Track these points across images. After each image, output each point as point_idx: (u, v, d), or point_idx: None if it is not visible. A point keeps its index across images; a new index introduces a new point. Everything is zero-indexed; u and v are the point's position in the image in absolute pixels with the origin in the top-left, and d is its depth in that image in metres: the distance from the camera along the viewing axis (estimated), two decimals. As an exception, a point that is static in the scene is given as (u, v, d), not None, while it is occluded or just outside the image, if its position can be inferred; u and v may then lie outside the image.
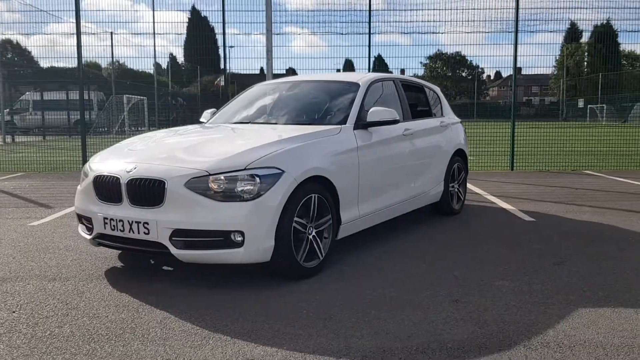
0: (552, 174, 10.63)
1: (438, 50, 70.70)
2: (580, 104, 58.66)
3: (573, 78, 69.46)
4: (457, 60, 75.25)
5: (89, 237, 4.11)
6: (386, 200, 5.00)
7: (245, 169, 3.70)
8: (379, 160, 4.88)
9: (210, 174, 3.66)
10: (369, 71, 12.24)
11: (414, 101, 5.92)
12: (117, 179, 3.84)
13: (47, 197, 7.99)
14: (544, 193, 8.13)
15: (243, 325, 3.16)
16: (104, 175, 3.94)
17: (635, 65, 71.18)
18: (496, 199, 7.51)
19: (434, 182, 5.89)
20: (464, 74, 76.27)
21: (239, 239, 3.62)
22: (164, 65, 40.79)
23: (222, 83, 47.58)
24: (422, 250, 4.84)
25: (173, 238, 3.66)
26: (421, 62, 72.21)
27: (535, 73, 78.07)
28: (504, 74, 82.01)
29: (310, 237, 4.03)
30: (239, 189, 3.65)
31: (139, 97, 28.71)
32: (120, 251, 4.57)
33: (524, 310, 3.37)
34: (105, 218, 3.89)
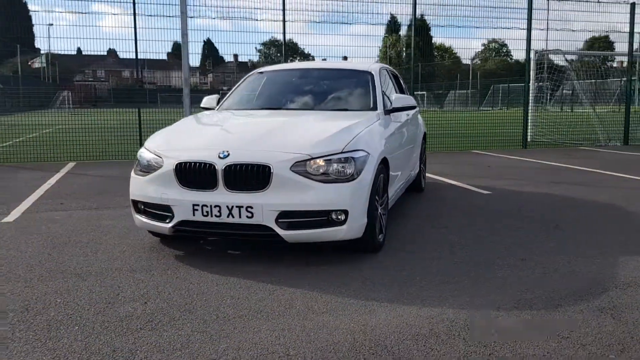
0: (447, 154, 11.90)
1: (272, 37, 71.97)
2: (403, 91, 63.70)
3: (395, 67, 74.84)
4: (290, 47, 76.91)
5: (166, 225, 4.02)
6: (402, 179, 5.50)
7: (342, 152, 3.95)
8: (401, 143, 5.35)
9: (312, 157, 3.85)
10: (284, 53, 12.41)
11: (397, 87, 6.46)
12: (212, 165, 3.84)
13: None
14: (467, 170, 9.22)
15: (388, 294, 3.44)
16: (191, 162, 3.90)
17: (444, 57, 79.05)
18: (437, 176, 8.38)
19: (416, 162, 6.52)
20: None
21: (341, 217, 3.87)
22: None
23: (42, 64, 43.65)
24: (435, 223, 5.42)
25: (279, 220, 3.79)
26: (256, 48, 73.02)
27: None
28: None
29: (379, 213, 4.39)
30: (339, 170, 3.89)
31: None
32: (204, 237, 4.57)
33: (584, 262, 4.10)
34: (195, 205, 3.86)
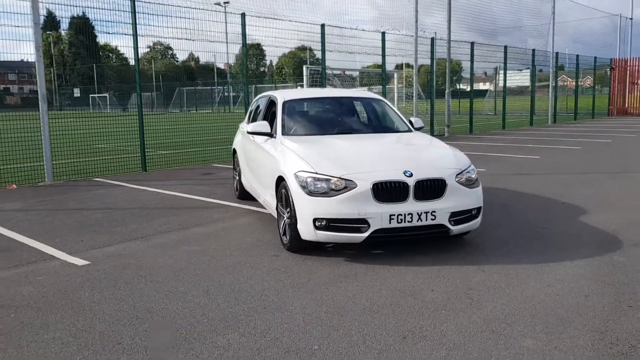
0: (189, 170, 12.00)
1: None
2: (77, 93, 59.84)
3: (60, 67, 69.79)
4: None
5: (363, 235, 4.96)
6: None
7: (470, 165, 5.53)
8: None
9: (462, 171, 5.36)
10: None
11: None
12: (405, 183, 4.97)
13: None
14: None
15: (541, 258, 5.18)
16: (387, 182, 4.95)
17: (111, 57, 76.92)
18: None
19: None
20: None
21: (476, 212, 5.44)
22: None
23: None
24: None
25: (450, 219, 5.16)
26: None
27: (12, 60, 73.69)
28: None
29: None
30: (471, 178, 5.44)
31: None
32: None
33: (595, 224, 6.45)
34: (391, 215, 4.94)
